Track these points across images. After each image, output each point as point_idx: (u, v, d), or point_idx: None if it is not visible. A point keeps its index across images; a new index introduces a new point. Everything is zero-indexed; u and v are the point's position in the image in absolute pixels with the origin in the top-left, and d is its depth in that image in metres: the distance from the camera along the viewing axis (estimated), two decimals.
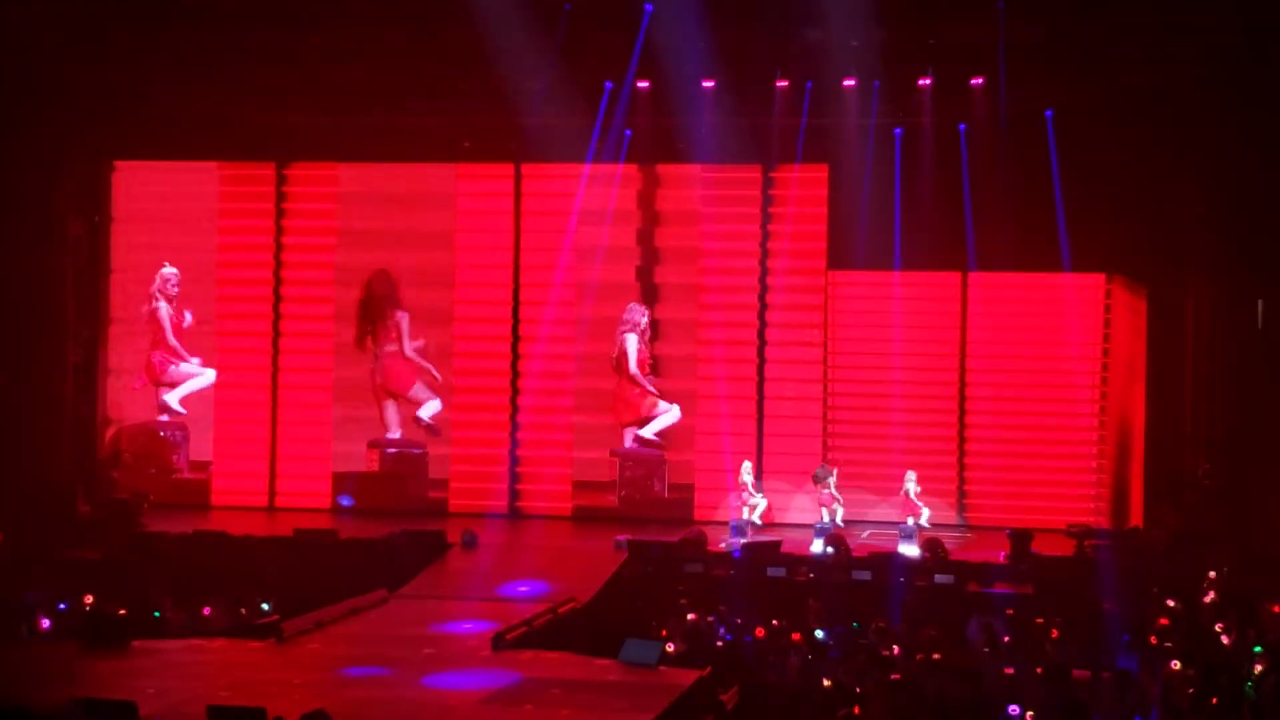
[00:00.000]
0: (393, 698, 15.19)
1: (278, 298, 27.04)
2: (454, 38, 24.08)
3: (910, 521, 23.93)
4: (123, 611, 18.58)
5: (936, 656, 16.49)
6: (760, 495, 24.82)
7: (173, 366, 27.59)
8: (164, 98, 25.64)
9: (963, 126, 25.19)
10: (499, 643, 17.46)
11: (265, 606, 19.59)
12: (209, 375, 27.49)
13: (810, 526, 23.98)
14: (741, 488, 24.70)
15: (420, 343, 27.37)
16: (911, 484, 24.38)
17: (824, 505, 24.39)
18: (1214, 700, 14.24)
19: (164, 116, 26.03)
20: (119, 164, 27.41)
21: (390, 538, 22.73)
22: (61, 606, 19.15)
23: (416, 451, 27.29)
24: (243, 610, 19.46)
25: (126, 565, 21.86)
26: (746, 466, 24.85)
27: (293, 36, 24.40)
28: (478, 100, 25.32)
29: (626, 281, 27.43)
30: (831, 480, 24.47)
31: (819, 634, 18.16)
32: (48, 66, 24.45)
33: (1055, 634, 17.92)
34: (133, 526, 23.63)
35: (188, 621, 18.98)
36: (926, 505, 24.47)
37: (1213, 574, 20.39)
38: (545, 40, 23.78)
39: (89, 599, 19.40)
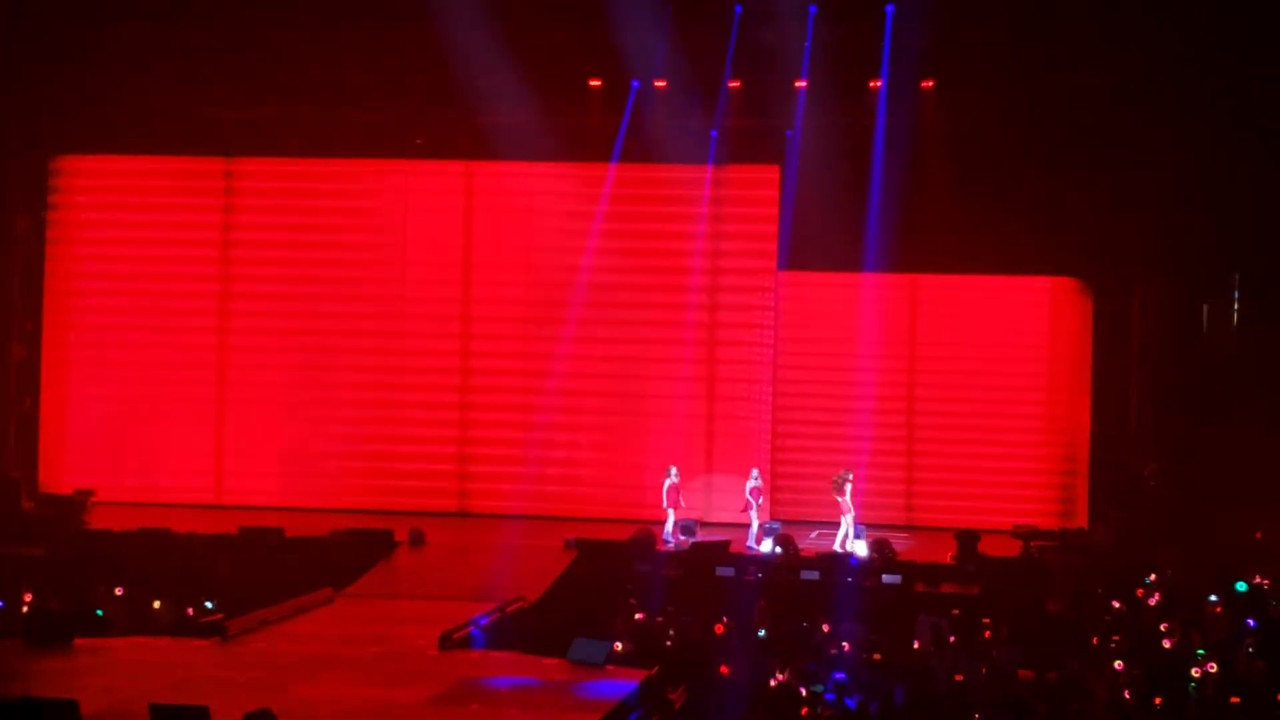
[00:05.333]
0: (338, 696, 15.08)
1: (225, 293, 26.84)
2: (407, 35, 23.98)
3: (756, 520, 23.43)
4: (66, 609, 18.37)
5: (876, 657, 16.54)
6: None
7: None
8: (112, 94, 25.39)
9: (911, 129, 25.27)
10: (446, 642, 17.37)
11: (209, 605, 19.43)
12: None
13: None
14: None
15: None
16: (753, 480, 23.69)
17: (844, 513, 23.16)
18: (1158, 700, 14.31)
19: (111, 112, 25.78)
20: (63, 159, 27.06)
21: (333, 535, 22.60)
22: (0, 604, 18.93)
23: None
24: (188, 609, 19.29)
25: (70, 562, 21.64)
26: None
27: (245, 33, 24.24)
28: (430, 97, 25.22)
29: (575, 280, 27.32)
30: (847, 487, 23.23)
31: (760, 634, 18.18)
32: None
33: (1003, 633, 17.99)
34: (77, 523, 23.40)
35: (132, 619, 18.80)
36: (870, 504, 24.30)
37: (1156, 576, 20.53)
38: (498, 38, 23.71)
39: (28, 596, 19.19)
